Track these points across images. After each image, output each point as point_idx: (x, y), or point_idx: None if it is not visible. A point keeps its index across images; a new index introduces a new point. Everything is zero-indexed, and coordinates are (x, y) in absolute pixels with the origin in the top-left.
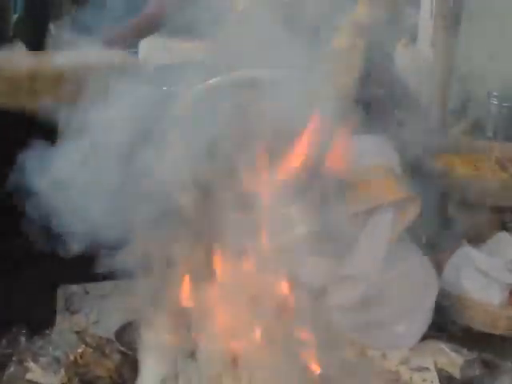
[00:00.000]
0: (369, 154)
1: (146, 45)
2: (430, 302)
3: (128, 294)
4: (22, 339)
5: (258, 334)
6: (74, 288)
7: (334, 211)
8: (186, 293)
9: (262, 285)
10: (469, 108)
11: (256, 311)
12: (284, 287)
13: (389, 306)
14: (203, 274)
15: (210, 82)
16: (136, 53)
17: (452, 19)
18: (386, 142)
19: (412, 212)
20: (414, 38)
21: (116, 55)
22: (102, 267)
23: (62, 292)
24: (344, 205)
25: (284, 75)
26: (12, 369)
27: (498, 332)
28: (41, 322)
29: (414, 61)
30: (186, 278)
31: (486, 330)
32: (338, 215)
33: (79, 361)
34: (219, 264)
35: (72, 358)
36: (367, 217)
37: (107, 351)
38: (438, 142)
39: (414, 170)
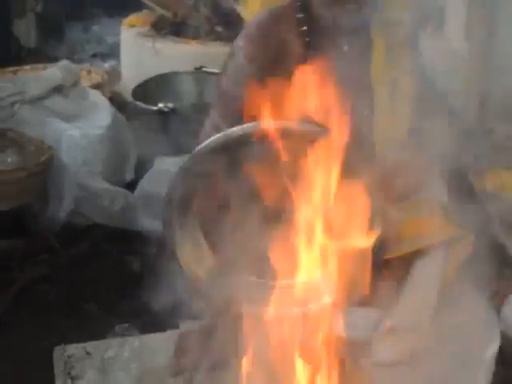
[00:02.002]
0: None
1: (134, 47)
2: (491, 354)
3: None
4: None
5: None
6: (73, 349)
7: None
8: None
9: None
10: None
11: None
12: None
13: (442, 360)
14: None
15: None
16: None
17: (489, 3)
18: (433, 173)
19: (464, 250)
20: (441, 23)
21: None
22: None
23: (58, 354)
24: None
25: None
26: None
27: None
28: None
29: (443, 52)
30: None
31: None
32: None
33: None
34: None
35: None
36: (415, 259)
37: None
38: (481, 154)
39: (458, 195)
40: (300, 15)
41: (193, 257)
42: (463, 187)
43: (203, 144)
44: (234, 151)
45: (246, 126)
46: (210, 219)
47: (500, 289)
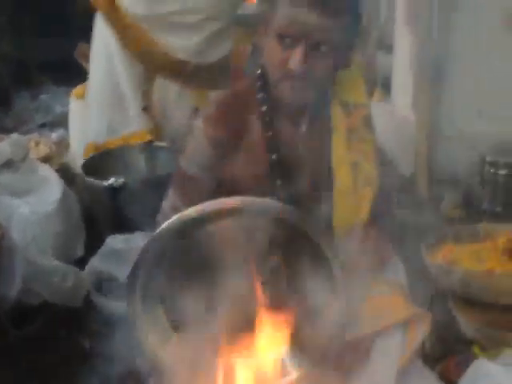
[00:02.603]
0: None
1: (83, 118)
2: None
3: None
4: None
5: None
6: None
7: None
8: None
9: None
10: (458, 176)
11: None
12: None
13: None
14: None
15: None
16: None
17: (435, 72)
18: (391, 253)
19: (422, 331)
20: (387, 89)
21: None
22: None
23: None
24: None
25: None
26: None
27: None
28: None
29: (391, 119)
30: None
31: None
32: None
33: None
34: None
35: None
36: (375, 339)
37: None
38: (429, 226)
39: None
40: (260, 95)
41: (155, 337)
42: (416, 262)
43: (160, 228)
44: (190, 232)
45: (201, 207)
46: (172, 299)
47: (453, 364)
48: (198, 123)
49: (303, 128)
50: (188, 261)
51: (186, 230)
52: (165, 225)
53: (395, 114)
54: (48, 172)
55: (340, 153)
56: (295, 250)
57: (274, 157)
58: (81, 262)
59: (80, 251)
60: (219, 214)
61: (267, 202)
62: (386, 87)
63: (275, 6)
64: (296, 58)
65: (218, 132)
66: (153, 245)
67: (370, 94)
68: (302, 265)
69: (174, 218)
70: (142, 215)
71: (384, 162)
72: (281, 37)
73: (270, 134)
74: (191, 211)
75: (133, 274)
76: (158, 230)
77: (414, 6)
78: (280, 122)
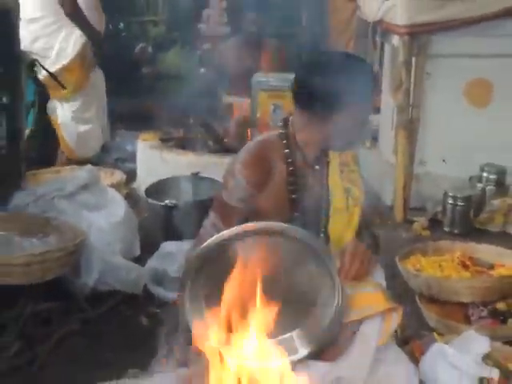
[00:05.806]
0: None
1: (147, 156)
2: None
3: None
4: None
5: None
6: None
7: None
8: None
9: None
10: (426, 205)
11: None
12: None
13: None
14: None
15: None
16: None
17: (411, 129)
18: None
19: (396, 320)
20: (375, 139)
21: None
22: None
23: None
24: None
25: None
26: None
27: None
28: None
29: (377, 162)
30: None
31: None
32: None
33: None
34: None
35: None
36: (359, 324)
37: None
38: (403, 242)
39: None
40: (284, 141)
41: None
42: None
43: (202, 245)
44: (224, 247)
45: (233, 229)
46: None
47: (418, 346)
48: (237, 166)
49: (316, 167)
50: (221, 268)
51: (221, 245)
52: (206, 243)
53: (381, 158)
54: (114, 193)
55: (335, 180)
56: (304, 260)
57: (293, 196)
58: (139, 260)
59: (136, 252)
60: (247, 234)
61: (285, 225)
62: (375, 138)
63: None
64: None
65: (253, 173)
66: (196, 257)
67: (363, 143)
68: (310, 270)
69: (212, 238)
70: (189, 227)
71: (370, 193)
72: None
73: (292, 179)
74: (225, 232)
75: (182, 278)
76: (200, 247)
77: (394, 79)
78: (299, 162)
